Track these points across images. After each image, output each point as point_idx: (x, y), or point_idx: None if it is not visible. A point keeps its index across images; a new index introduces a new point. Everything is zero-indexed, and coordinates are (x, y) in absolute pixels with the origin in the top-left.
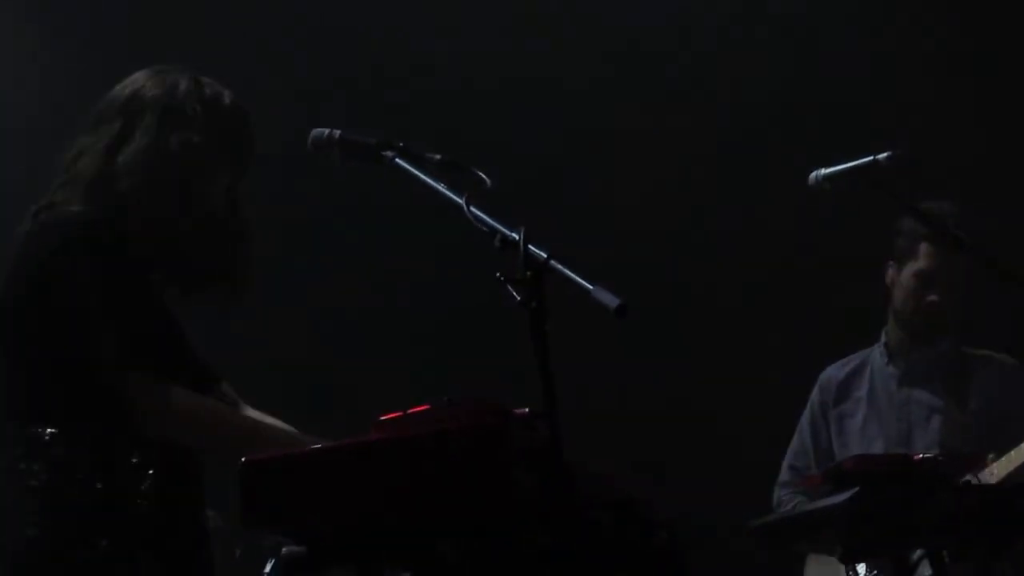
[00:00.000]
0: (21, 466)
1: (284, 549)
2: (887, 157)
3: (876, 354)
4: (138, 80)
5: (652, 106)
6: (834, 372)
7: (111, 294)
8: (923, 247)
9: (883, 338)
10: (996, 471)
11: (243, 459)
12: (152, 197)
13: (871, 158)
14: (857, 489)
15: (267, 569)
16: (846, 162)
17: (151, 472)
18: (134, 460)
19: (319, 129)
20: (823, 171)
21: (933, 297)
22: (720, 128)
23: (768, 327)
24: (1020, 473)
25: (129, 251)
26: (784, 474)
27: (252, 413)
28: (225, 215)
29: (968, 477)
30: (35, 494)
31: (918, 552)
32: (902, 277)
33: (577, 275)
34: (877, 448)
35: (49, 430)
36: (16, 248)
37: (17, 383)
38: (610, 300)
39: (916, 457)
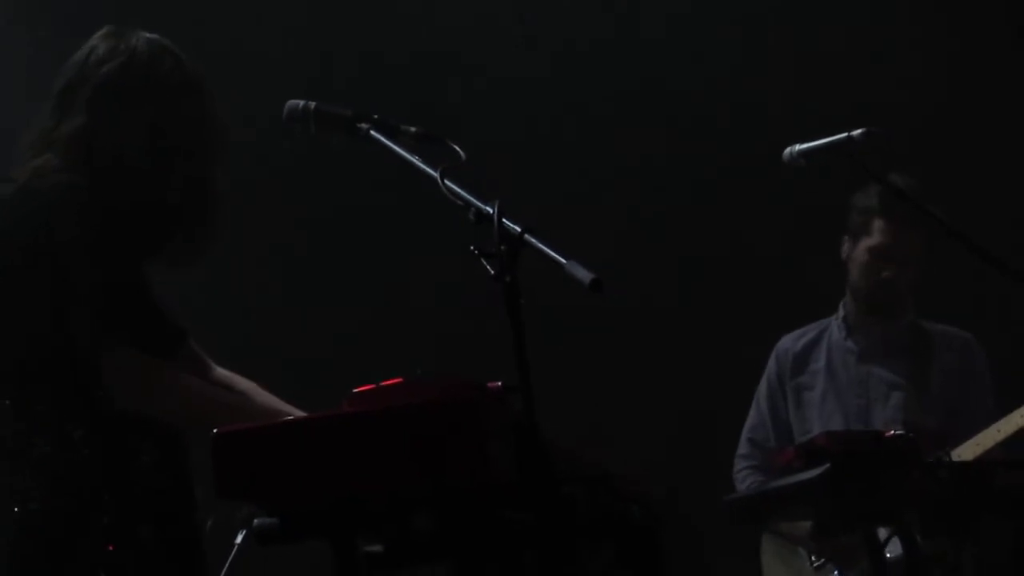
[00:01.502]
0: (21, 442)
1: (256, 521)
2: (862, 134)
3: (834, 327)
4: (100, 46)
5: (628, 88)
6: (790, 343)
7: (95, 265)
8: (877, 223)
9: (841, 311)
10: (963, 455)
11: (216, 431)
12: (133, 163)
13: (846, 135)
14: (829, 466)
15: (238, 540)
16: (821, 138)
17: (148, 447)
18: (131, 435)
19: (294, 101)
20: (798, 147)
21: (887, 273)
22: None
23: (737, 300)
24: (988, 457)
25: (112, 216)
26: (743, 447)
27: (221, 372)
28: (200, 180)
29: (940, 454)
30: (36, 470)
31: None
32: (856, 252)
33: (551, 249)
34: (835, 423)
35: (46, 407)
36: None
37: (9, 357)
38: (584, 275)
39: (888, 434)
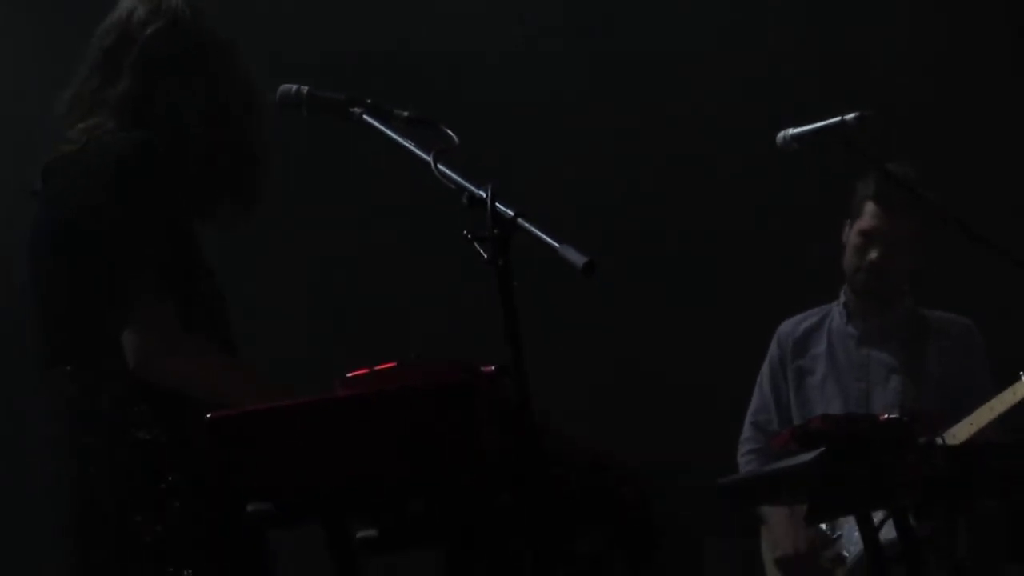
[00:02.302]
0: (87, 400)
1: (250, 506)
2: (855, 118)
3: (835, 312)
4: (139, 8)
5: (621, 66)
6: (791, 326)
7: (163, 225)
8: (868, 206)
9: (842, 297)
10: (957, 434)
11: (209, 415)
12: (187, 124)
13: (839, 118)
14: (823, 449)
15: None
16: (814, 122)
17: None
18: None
19: (287, 85)
20: (791, 131)
21: (873, 255)
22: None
23: (738, 282)
24: (982, 436)
25: (172, 177)
26: (746, 430)
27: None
28: (247, 141)
29: (935, 437)
30: (100, 430)
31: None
32: (850, 235)
33: (544, 233)
34: (835, 407)
35: (104, 368)
36: (66, 171)
37: (76, 319)
38: (577, 258)
39: (883, 418)
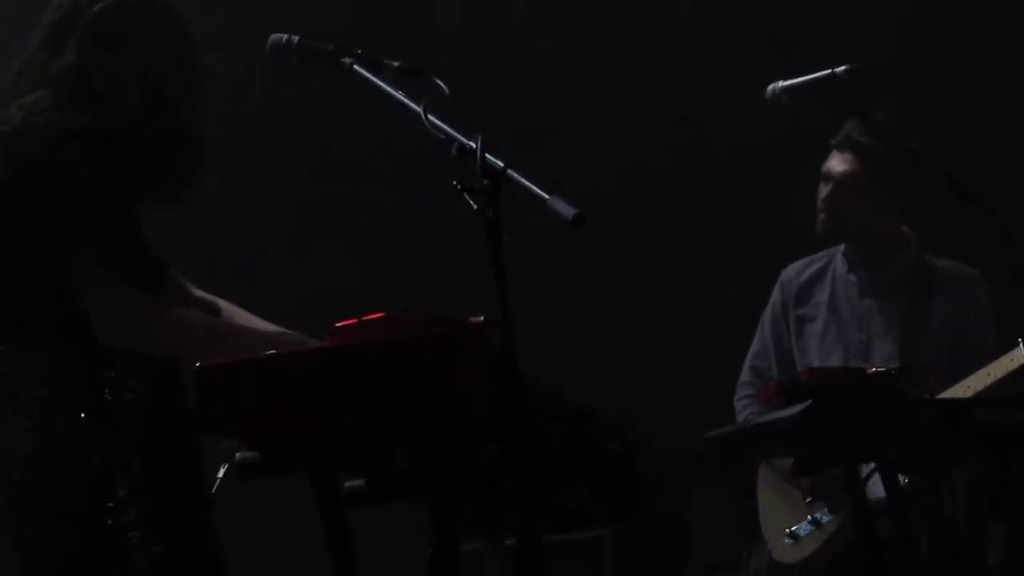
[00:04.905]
0: (10, 383)
1: (238, 454)
2: (845, 70)
3: (839, 259)
4: None
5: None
6: (795, 272)
7: (102, 202)
8: (832, 152)
9: (842, 245)
10: (971, 384)
11: (197, 364)
12: (124, 102)
13: (829, 71)
14: (810, 402)
15: (220, 473)
16: (805, 75)
17: (137, 383)
18: (117, 372)
19: (277, 35)
20: (781, 84)
21: (824, 193)
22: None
23: (731, 237)
24: (993, 389)
25: (107, 155)
26: (745, 374)
27: (201, 295)
28: (187, 120)
29: (923, 392)
30: (26, 411)
31: (870, 465)
32: None
33: (534, 184)
34: (835, 357)
35: (35, 346)
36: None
37: (2, 298)
38: (566, 210)
39: (870, 371)
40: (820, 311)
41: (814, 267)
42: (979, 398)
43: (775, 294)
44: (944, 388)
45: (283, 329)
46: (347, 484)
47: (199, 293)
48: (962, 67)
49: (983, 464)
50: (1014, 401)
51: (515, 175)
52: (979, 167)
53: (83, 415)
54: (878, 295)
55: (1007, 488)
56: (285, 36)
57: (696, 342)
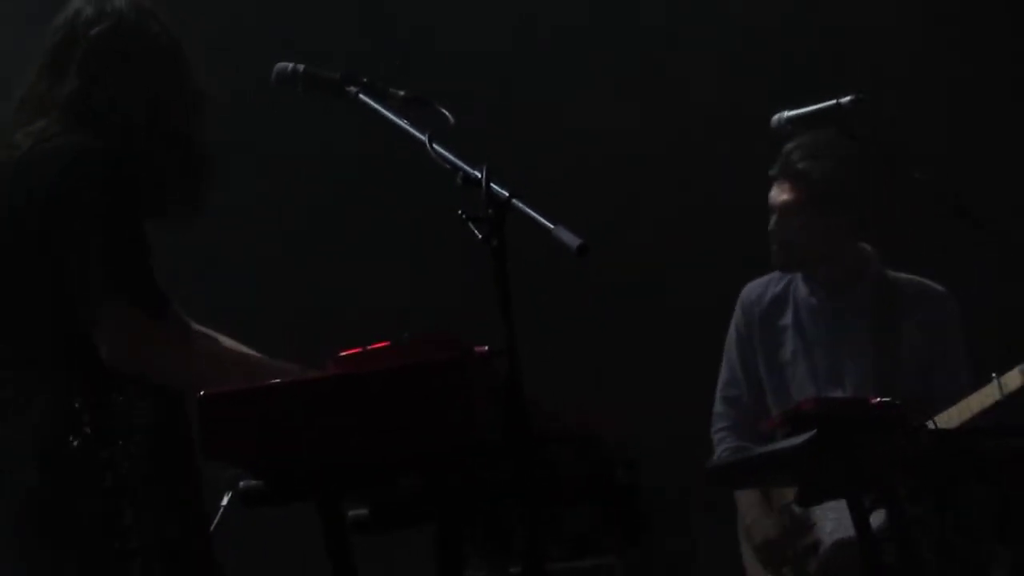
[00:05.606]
0: (18, 407)
1: (242, 483)
2: (850, 100)
3: (799, 281)
4: (85, 8)
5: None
6: (755, 294)
7: (114, 227)
8: (774, 182)
9: None
10: (949, 420)
11: (202, 392)
12: (128, 123)
13: (834, 101)
14: (815, 432)
15: (224, 502)
16: (809, 104)
17: (145, 408)
18: (125, 397)
19: (283, 63)
20: (786, 113)
21: (772, 225)
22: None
23: (739, 267)
24: (974, 421)
25: (118, 177)
26: (718, 405)
27: (201, 330)
28: (189, 140)
29: (926, 421)
30: (34, 435)
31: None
32: None
33: (539, 214)
34: (807, 385)
35: (43, 371)
36: (7, 177)
37: (10, 325)
38: (571, 240)
39: (874, 401)
40: (787, 337)
41: (775, 288)
42: (978, 426)
43: (737, 316)
44: (924, 414)
45: (284, 361)
46: (351, 513)
47: (200, 328)
48: (968, 75)
49: (987, 490)
50: (1017, 429)
51: (520, 204)
52: (980, 176)
53: (91, 439)
54: (843, 318)
55: (1012, 514)
56: (291, 65)
57: (704, 369)
